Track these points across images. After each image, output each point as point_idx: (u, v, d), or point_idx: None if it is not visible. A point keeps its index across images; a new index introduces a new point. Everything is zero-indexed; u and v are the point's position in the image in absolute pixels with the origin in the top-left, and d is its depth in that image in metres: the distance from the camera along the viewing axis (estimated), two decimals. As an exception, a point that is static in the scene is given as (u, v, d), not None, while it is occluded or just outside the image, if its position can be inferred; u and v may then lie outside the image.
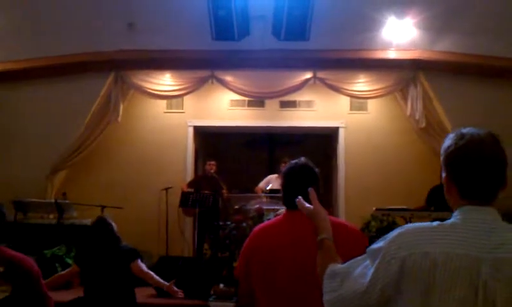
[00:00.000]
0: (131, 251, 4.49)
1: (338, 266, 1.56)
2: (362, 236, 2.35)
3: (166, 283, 4.57)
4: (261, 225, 2.47)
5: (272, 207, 6.99)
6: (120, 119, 8.41)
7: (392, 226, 7.57)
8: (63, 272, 4.84)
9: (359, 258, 1.51)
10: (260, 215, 6.20)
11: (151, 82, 8.45)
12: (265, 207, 6.64)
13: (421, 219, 7.41)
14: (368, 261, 1.46)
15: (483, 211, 1.41)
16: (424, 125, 7.95)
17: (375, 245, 1.47)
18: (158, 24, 7.29)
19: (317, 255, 1.71)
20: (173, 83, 8.57)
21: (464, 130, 1.47)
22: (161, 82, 8.53)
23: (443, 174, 1.50)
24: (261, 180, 8.44)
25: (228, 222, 6.30)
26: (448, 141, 1.49)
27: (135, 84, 8.43)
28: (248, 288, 2.36)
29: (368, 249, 1.49)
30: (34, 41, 7.62)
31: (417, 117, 7.97)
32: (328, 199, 8.95)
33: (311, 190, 1.89)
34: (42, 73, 8.32)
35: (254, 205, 6.66)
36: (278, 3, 6.51)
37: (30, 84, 8.39)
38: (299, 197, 1.93)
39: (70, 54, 7.91)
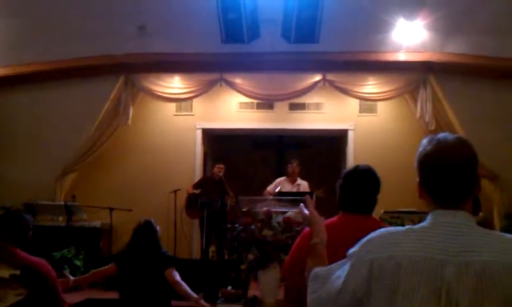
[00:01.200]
0: (168, 258, 4.45)
1: (322, 269, 1.62)
2: None
3: (195, 295, 4.39)
4: None
5: (281, 210, 6.97)
6: (129, 122, 8.44)
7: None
8: (100, 269, 4.65)
9: (340, 261, 1.56)
10: (268, 218, 6.19)
11: (160, 85, 8.49)
12: (273, 210, 6.62)
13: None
14: (347, 264, 1.50)
15: (453, 214, 1.42)
16: (433, 127, 7.90)
17: (352, 249, 1.52)
18: (168, 27, 7.31)
19: None
20: (182, 86, 8.60)
21: (436, 136, 1.50)
22: (170, 85, 8.57)
23: (417, 179, 1.52)
24: (270, 182, 8.43)
25: (236, 225, 6.28)
26: (420, 147, 1.52)
27: (144, 87, 8.46)
28: (294, 286, 2.39)
29: (347, 253, 1.54)
30: (44, 45, 7.67)
31: (427, 119, 7.92)
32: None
33: (307, 197, 1.96)
34: (52, 77, 8.37)
35: (262, 208, 6.64)
36: (288, 6, 6.49)
37: (40, 88, 8.45)
38: (301, 204, 1.97)
39: (80, 57, 7.96)
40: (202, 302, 4.35)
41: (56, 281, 3.24)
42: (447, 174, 1.43)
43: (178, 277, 4.39)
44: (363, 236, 2.06)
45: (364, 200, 2.31)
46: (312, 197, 7.90)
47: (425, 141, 1.51)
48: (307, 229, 2.43)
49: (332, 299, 1.48)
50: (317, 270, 1.62)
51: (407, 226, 1.45)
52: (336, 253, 2.19)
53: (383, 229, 1.50)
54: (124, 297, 4.36)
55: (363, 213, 2.28)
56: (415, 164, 1.52)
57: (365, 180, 2.32)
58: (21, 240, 3.24)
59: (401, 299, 1.33)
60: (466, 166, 1.44)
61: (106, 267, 4.54)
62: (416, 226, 1.45)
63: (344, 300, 1.44)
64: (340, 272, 1.51)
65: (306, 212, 1.90)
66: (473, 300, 1.29)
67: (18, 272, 3.01)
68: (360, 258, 1.44)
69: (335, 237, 2.25)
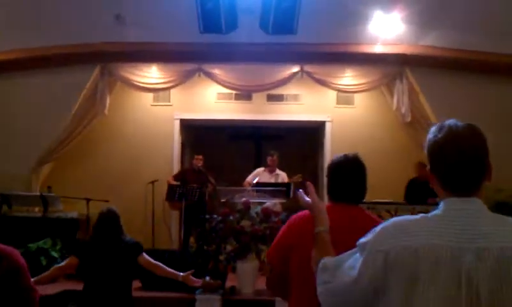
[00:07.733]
0: (136, 245, 4.36)
1: (330, 259, 1.58)
2: None
3: (179, 273, 4.36)
4: (301, 214, 2.33)
5: (259, 200, 7.01)
6: (106, 111, 8.36)
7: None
8: (61, 264, 4.47)
9: (350, 251, 1.54)
10: (246, 208, 6.21)
11: (138, 75, 8.41)
12: (251, 200, 6.66)
13: (406, 213, 7.48)
14: (358, 254, 1.48)
15: (466, 202, 1.42)
16: (409, 119, 8.02)
17: (364, 239, 1.49)
18: (145, 16, 7.25)
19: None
20: (160, 76, 8.54)
21: (445, 123, 1.49)
22: (148, 74, 8.49)
23: (428, 167, 1.52)
24: (248, 173, 8.45)
25: (215, 216, 6.29)
26: (429, 134, 1.51)
27: (122, 76, 8.38)
28: (281, 276, 2.32)
29: (358, 243, 1.51)
30: (19, 33, 7.53)
31: (403, 111, 8.02)
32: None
33: (308, 184, 1.91)
34: (27, 65, 8.21)
35: (241, 198, 6.67)
36: (266, -4, 6.50)
37: (15, 76, 8.29)
38: (300, 190, 1.94)
39: (56, 45, 7.83)
40: (192, 277, 4.32)
41: (26, 270, 3.21)
42: (459, 162, 1.43)
43: (152, 259, 4.37)
44: (352, 226, 2.06)
45: (352, 190, 2.27)
46: (290, 188, 7.98)
47: (434, 129, 1.50)
48: (296, 217, 2.35)
49: (346, 290, 1.46)
50: (326, 260, 1.59)
51: (420, 215, 1.45)
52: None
53: (395, 218, 1.49)
54: (89, 288, 4.22)
55: (351, 203, 2.25)
56: (425, 151, 1.51)
57: (352, 169, 2.29)
58: None
59: (421, 288, 1.33)
60: (478, 153, 1.45)
61: (67, 261, 4.38)
62: (430, 215, 1.44)
63: (359, 291, 1.43)
64: (352, 262, 1.48)
65: (307, 199, 1.85)
66: (492, 286, 1.30)
67: None
68: (374, 248, 1.42)
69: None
